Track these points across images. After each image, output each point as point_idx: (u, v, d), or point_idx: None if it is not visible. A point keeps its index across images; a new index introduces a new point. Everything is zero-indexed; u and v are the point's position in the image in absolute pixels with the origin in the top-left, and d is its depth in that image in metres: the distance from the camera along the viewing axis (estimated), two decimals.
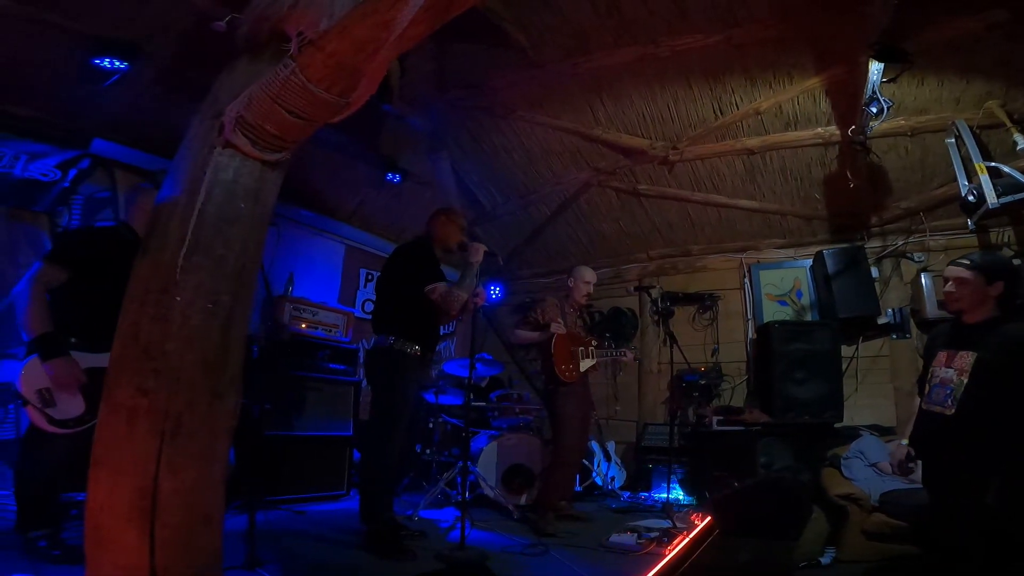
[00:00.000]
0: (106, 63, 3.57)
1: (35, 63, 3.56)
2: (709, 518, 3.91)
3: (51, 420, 2.52)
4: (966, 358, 2.46)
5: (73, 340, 2.60)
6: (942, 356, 2.59)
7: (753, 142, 5.00)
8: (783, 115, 4.73)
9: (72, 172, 3.97)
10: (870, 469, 3.70)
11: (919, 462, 2.72)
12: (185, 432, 1.64)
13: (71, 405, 2.56)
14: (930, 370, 2.66)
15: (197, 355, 1.70)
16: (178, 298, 1.69)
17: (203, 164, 1.80)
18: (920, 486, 2.81)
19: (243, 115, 1.81)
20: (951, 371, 2.51)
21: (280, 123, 1.83)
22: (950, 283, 2.60)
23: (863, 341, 5.35)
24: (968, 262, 2.57)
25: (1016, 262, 4.37)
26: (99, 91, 3.75)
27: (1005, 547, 2.15)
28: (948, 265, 2.68)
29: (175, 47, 3.68)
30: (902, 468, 2.83)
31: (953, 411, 2.44)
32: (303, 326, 4.64)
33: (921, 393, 2.74)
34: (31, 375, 2.54)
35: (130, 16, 3.46)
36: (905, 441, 2.83)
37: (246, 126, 1.81)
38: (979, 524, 2.26)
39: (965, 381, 2.43)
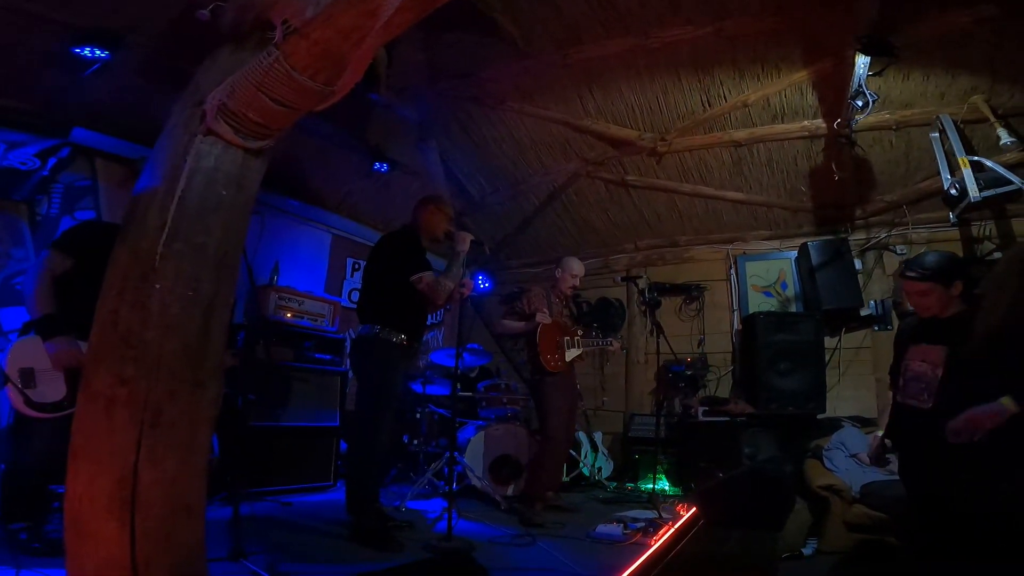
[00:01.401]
0: (87, 52, 3.50)
1: (15, 51, 3.49)
2: (694, 509, 3.94)
3: (28, 401, 2.50)
4: (939, 352, 2.47)
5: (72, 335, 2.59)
6: (915, 350, 2.60)
7: (740, 134, 5.02)
8: (770, 108, 4.75)
9: (52, 161, 3.91)
10: (851, 460, 3.75)
11: (895, 454, 2.76)
12: (165, 422, 1.63)
13: (52, 389, 2.55)
14: (903, 364, 2.66)
15: (177, 343, 1.68)
16: (157, 285, 1.67)
17: (184, 151, 1.77)
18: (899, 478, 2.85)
19: (225, 103, 1.78)
20: (925, 365, 2.52)
21: (263, 111, 1.81)
22: (913, 297, 2.61)
23: (846, 332, 5.41)
24: (919, 272, 2.55)
25: (996, 255, 4.44)
26: (80, 80, 3.69)
27: (982, 538, 2.19)
28: (902, 278, 2.66)
29: (158, 36, 3.62)
30: (879, 460, 2.88)
31: (930, 404, 2.45)
32: (289, 315, 4.61)
33: (894, 384, 2.76)
34: (18, 353, 2.55)
35: (112, 5, 3.39)
36: (881, 432, 2.87)
37: (228, 114, 1.79)
38: (956, 516, 2.30)
39: (940, 375, 2.44)
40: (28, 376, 2.52)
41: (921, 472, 2.54)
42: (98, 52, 3.51)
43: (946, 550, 2.32)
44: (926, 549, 2.49)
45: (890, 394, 2.83)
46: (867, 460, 3.15)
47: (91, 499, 1.59)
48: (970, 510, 2.24)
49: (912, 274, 2.58)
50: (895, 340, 2.83)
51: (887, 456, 2.88)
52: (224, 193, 1.82)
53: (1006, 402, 2.10)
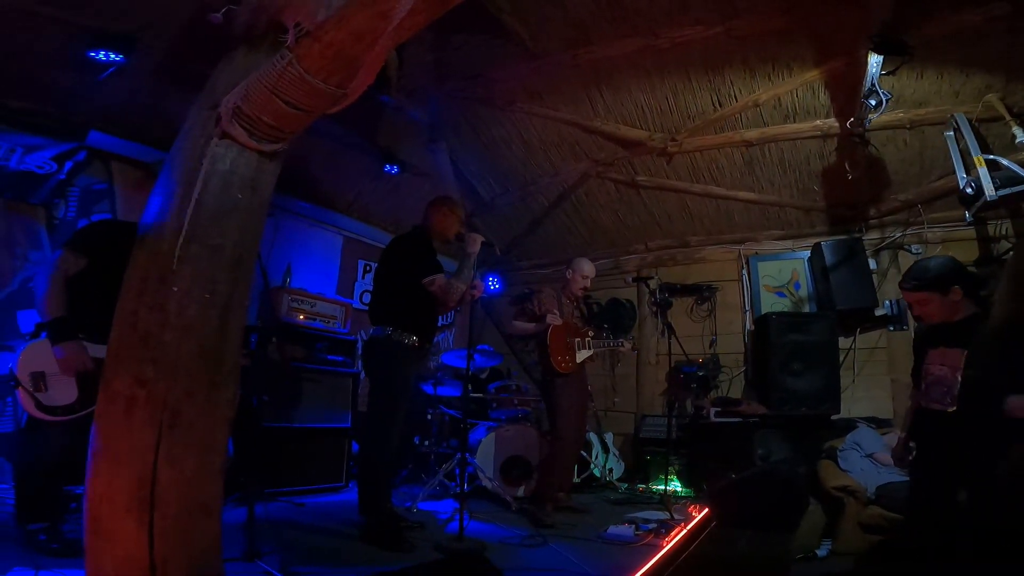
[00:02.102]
0: (102, 56, 3.54)
1: (31, 55, 3.54)
2: (706, 510, 3.93)
3: (39, 405, 2.50)
4: (957, 356, 2.47)
5: (81, 336, 2.60)
6: (934, 354, 2.61)
7: (752, 134, 4.99)
8: (782, 107, 4.72)
9: (68, 164, 3.97)
10: (866, 460, 3.72)
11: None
12: (183, 422, 1.65)
13: (63, 392, 2.54)
14: (924, 367, 2.67)
15: (195, 345, 1.70)
16: (175, 287, 1.69)
17: (200, 155, 1.79)
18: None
19: (240, 106, 1.80)
20: (945, 368, 2.52)
21: (277, 114, 1.83)
22: (914, 306, 2.64)
23: (860, 333, 5.36)
24: (912, 283, 2.59)
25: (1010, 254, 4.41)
26: (95, 83, 3.73)
27: (988, 540, 2.17)
28: (901, 289, 2.71)
29: (172, 39, 3.66)
30: (902, 461, 2.88)
31: (954, 408, 2.45)
32: (301, 317, 4.63)
33: (917, 386, 2.75)
34: (29, 357, 2.54)
35: (126, 8, 3.43)
36: (904, 434, 2.86)
37: (243, 117, 1.81)
38: (965, 517, 2.30)
39: (960, 378, 2.44)
40: (39, 380, 2.51)
41: (943, 474, 2.52)
42: (113, 56, 3.55)
43: (957, 550, 2.31)
44: (940, 550, 2.47)
45: (911, 395, 2.82)
46: (888, 461, 3.13)
47: (110, 499, 1.61)
48: (992, 511, 2.22)
49: (907, 285, 2.62)
50: (914, 343, 2.84)
51: (909, 458, 2.87)
52: (240, 196, 1.84)
53: None
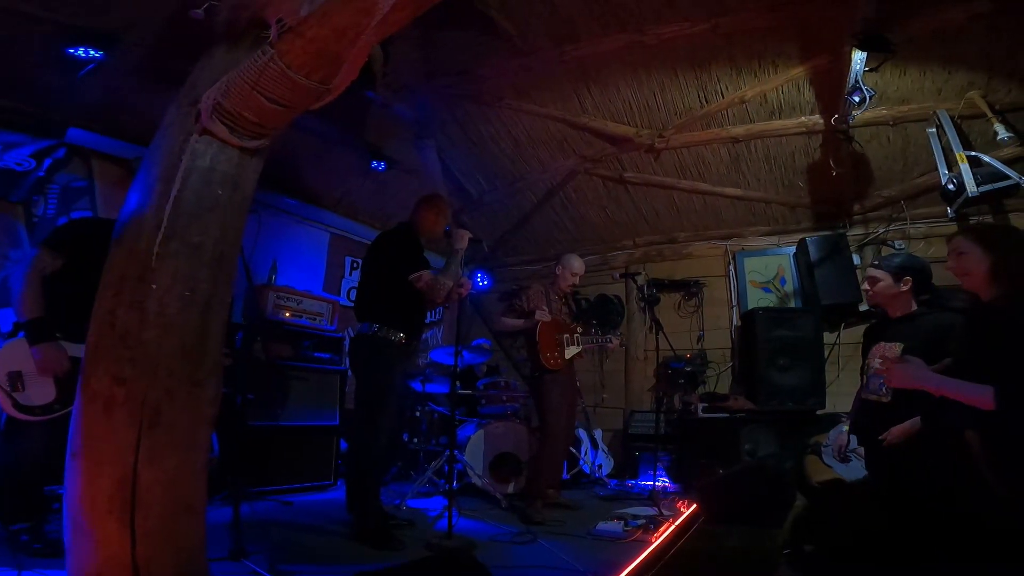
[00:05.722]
0: (81, 52, 3.48)
1: (9, 52, 3.47)
2: (694, 505, 3.95)
3: (16, 404, 2.47)
4: (894, 349, 2.63)
5: (59, 335, 2.57)
6: (876, 348, 2.78)
7: (738, 130, 5.01)
8: (768, 104, 4.74)
9: (47, 161, 3.91)
10: (851, 455, 3.76)
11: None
12: (164, 421, 1.63)
13: (40, 392, 2.51)
14: (867, 361, 2.83)
15: (175, 343, 1.69)
16: (154, 285, 1.67)
17: (179, 151, 1.77)
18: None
19: (221, 102, 1.78)
20: (883, 361, 2.67)
21: (259, 110, 1.81)
22: (867, 284, 2.84)
23: (845, 328, 5.41)
24: (878, 262, 2.81)
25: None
26: (75, 80, 3.68)
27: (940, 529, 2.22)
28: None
29: (152, 35, 3.61)
30: (840, 454, 2.98)
31: (888, 399, 2.61)
32: (287, 315, 4.60)
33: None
34: (6, 357, 2.51)
35: (107, 4, 3.37)
36: (846, 428, 3.00)
37: (224, 113, 1.79)
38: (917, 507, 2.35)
39: None
40: (16, 379, 2.48)
41: (884, 465, 2.61)
42: (92, 52, 3.50)
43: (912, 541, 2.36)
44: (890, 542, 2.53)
45: (858, 391, 2.97)
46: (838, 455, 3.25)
47: (91, 499, 1.59)
48: (928, 501, 2.30)
49: (873, 264, 2.84)
50: (862, 343, 2.98)
51: (847, 452, 3.02)
52: (220, 193, 1.82)
53: None
